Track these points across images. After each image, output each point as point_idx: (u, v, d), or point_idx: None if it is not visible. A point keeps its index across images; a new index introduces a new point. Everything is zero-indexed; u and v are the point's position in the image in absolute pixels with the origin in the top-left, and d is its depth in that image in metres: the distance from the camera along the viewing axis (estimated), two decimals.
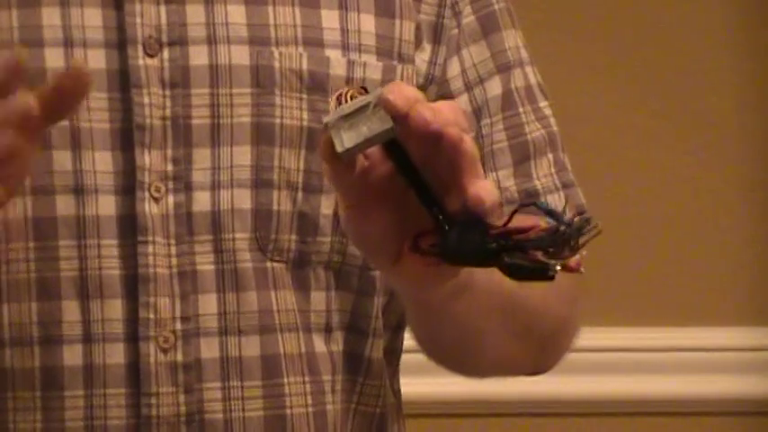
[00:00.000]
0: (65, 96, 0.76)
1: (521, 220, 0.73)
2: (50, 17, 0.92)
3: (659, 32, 2.10)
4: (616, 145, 2.05)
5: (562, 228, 0.71)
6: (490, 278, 0.77)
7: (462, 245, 0.74)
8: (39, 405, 0.92)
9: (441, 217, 0.74)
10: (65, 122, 0.90)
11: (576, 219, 0.73)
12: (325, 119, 0.75)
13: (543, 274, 0.72)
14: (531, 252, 0.72)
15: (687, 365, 1.94)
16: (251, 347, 0.95)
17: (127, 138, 0.92)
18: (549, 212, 0.72)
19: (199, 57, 0.93)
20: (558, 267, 0.71)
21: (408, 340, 1.03)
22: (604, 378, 1.89)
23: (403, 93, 0.72)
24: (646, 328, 1.94)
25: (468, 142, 0.73)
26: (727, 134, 2.09)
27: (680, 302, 1.99)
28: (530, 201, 0.87)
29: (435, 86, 1.01)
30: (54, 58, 0.91)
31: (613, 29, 2.07)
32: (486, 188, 0.72)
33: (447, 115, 0.72)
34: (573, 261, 0.72)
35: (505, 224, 0.74)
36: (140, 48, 0.91)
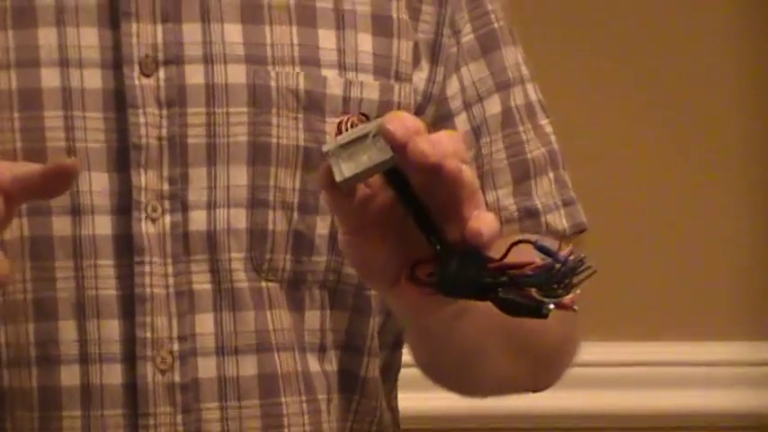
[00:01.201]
0: (50, 185, 0.78)
1: (518, 253, 0.73)
2: (46, 37, 0.92)
3: (659, 43, 2.10)
4: (618, 158, 2.06)
5: (557, 266, 0.72)
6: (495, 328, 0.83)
7: (459, 277, 0.75)
8: (36, 425, 0.92)
9: (439, 247, 0.75)
10: (61, 143, 0.93)
11: (571, 257, 0.73)
12: (325, 147, 0.75)
13: (537, 311, 0.72)
14: (527, 288, 0.73)
15: (686, 380, 1.96)
16: (248, 367, 0.95)
17: (123, 158, 0.92)
18: (545, 251, 0.73)
19: (195, 76, 0.93)
20: (552, 306, 0.72)
21: (406, 355, 1.03)
22: (604, 392, 1.90)
23: (403, 122, 0.72)
24: (645, 342, 1.95)
25: (468, 173, 0.73)
26: (729, 150, 2.10)
27: (679, 317, 2.00)
28: (527, 239, 0.85)
29: (434, 105, 1.01)
30: (50, 78, 0.92)
31: (613, 39, 2.07)
32: (485, 221, 0.73)
33: (446, 146, 0.72)
34: (567, 299, 0.72)
35: (502, 258, 0.74)
36: (136, 67, 0.91)
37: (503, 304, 0.74)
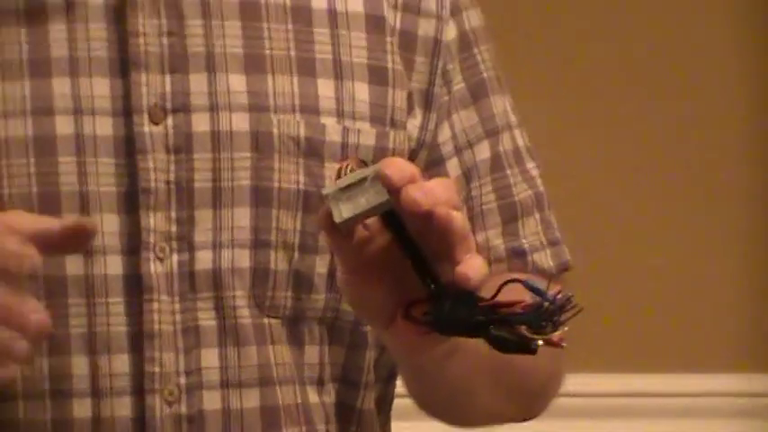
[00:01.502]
0: (61, 247, 0.82)
1: (508, 292, 0.77)
2: (61, 86, 0.95)
3: (645, 87, 2.17)
4: (606, 194, 2.10)
5: (546, 304, 0.75)
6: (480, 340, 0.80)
7: (452, 316, 0.78)
8: (45, 415, 0.95)
9: (433, 287, 0.79)
10: (74, 187, 0.96)
11: (559, 296, 0.76)
12: (324, 190, 0.79)
13: (526, 348, 0.76)
14: (517, 326, 0.76)
15: (680, 410, 2.01)
16: (251, 399, 0.97)
17: (132, 201, 0.94)
18: (535, 290, 0.76)
19: (201, 124, 0.95)
20: (541, 342, 0.76)
21: (399, 386, 1.05)
22: (598, 422, 1.94)
23: (399, 168, 0.77)
24: (638, 374, 2.00)
25: (459, 220, 0.77)
26: (721, 184, 2.15)
27: (673, 349, 2.06)
28: (517, 279, 0.88)
29: (426, 150, 1.03)
30: (64, 126, 0.95)
31: (599, 84, 2.14)
32: (473, 266, 0.77)
33: (438, 194, 0.77)
34: (555, 336, 0.76)
35: (493, 297, 0.77)
36: (146, 116, 0.94)
37: (494, 341, 0.77)
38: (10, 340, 0.81)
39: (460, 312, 0.79)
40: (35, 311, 0.81)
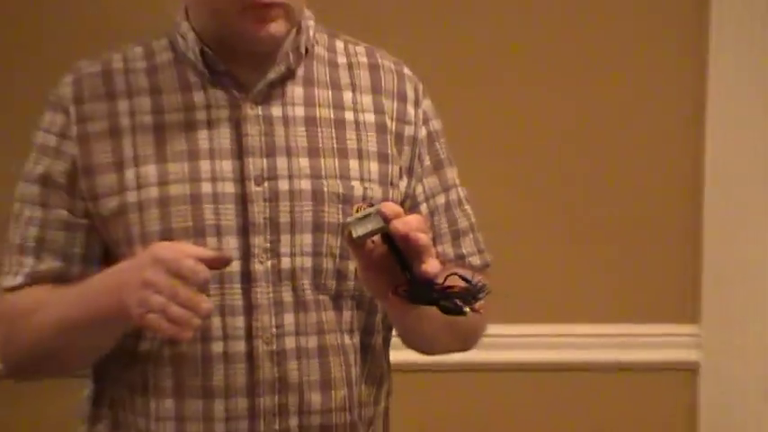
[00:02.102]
0: (213, 267, 1.21)
1: (451, 280, 1.17)
2: (205, 165, 1.35)
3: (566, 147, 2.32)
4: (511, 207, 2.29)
5: (471, 289, 1.16)
6: (440, 321, 1.23)
7: (419, 294, 1.17)
8: (200, 373, 1.33)
9: (409, 277, 1.16)
10: (213, 222, 1.33)
11: (479, 283, 1.16)
12: (348, 219, 1.17)
13: (460, 313, 1.16)
14: (455, 300, 1.16)
15: (567, 345, 2.32)
16: (311, 342, 1.36)
17: (245, 229, 1.33)
18: (465, 279, 1.16)
19: (283, 185, 1.34)
20: (468, 310, 1.16)
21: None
22: (511, 352, 2.28)
23: (391, 208, 1.15)
24: (534, 324, 2.30)
25: (424, 239, 1.15)
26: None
27: (565, 302, 2.33)
28: (456, 273, 1.18)
29: (409, 199, 1.43)
30: (206, 188, 1.33)
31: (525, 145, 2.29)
32: (432, 265, 1.16)
33: (413, 224, 1.15)
34: (477, 306, 1.17)
35: (443, 283, 1.16)
36: (252, 182, 1.33)
37: (442, 309, 1.17)
38: (191, 318, 1.18)
39: (424, 292, 1.18)
40: (205, 302, 1.19)
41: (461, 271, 1.27)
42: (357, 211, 1.22)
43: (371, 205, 1.22)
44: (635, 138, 2.36)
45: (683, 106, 2.37)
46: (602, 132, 2.36)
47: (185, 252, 1.22)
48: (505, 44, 2.31)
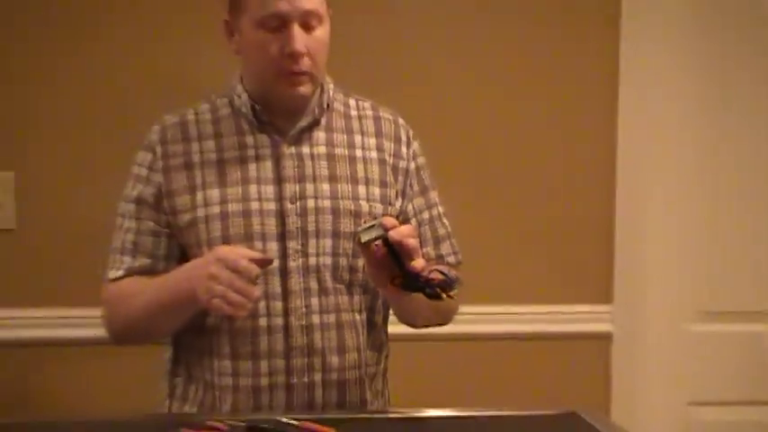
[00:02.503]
0: (260, 265, 1.43)
1: (434, 274, 1.41)
2: (254, 189, 1.58)
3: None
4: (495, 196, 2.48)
5: (448, 281, 1.40)
6: (424, 302, 1.44)
7: (409, 284, 1.39)
8: (250, 341, 1.57)
9: (402, 272, 1.38)
10: (259, 230, 1.56)
11: (454, 276, 1.40)
12: (358, 229, 1.43)
13: (439, 298, 1.40)
14: (436, 289, 1.39)
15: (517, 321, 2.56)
16: (331, 318, 1.60)
17: (283, 236, 1.57)
18: (444, 274, 1.42)
19: (311, 204, 1.58)
20: (445, 296, 1.39)
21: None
22: (477, 325, 2.46)
23: (390, 221, 1.39)
24: (484, 304, 2.47)
25: (413, 243, 1.37)
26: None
27: (510, 287, 2.53)
28: (437, 268, 1.43)
29: (402, 214, 1.66)
30: (254, 205, 1.56)
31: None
32: (419, 263, 1.38)
33: (405, 232, 1.38)
34: (452, 294, 1.39)
35: (427, 276, 1.38)
36: (288, 201, 1.58)
37: (426, 295, 1.40)
38: (245, 302, 1.40)
39: (413, 283, 1.38)
40: (255, 290, 1.41)
41: (442, 267, 1.53)
42: (365, 223, 1.45)
43: (375, 218, 1.46)
44: (559, 152, 2.52)
45: (597, 125, 2.51)
46: (533, 149, 2.52)
47: (241, 254, 1.45)
48: (464, 94, 2.47)
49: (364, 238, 1.40)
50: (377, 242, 1.39)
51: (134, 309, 1.59)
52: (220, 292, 1.40)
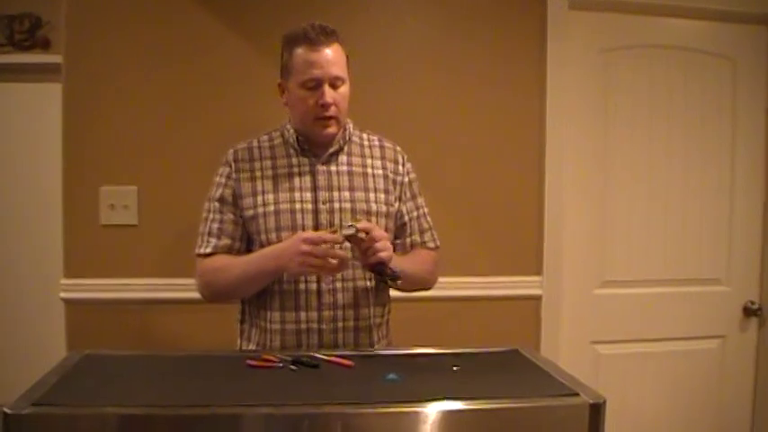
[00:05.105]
0: (332, 243, 1.99)
1: (390, 267, 2.02)
2: (297, 194, 2.11)
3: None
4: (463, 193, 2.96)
5: (393, 274, 2.04)
6: (412, 273, 2.14)
7: (374, 271, 2.05)
8: (293, 297, 2.11)
9: (363, 261, 2.01)
10: (300, 223, 2.11)
11: (397, 271, 2.01)
12: (342, 228, 2.00)
13: (394, 286, 2.11)
14: (387, 277, 2.04)
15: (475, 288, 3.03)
16: (349, 285, 2.15)
17: (316, 227, 2.10)
18: (392, 270, 2.03)
19: (337, 205, 2.12)
20: (390, 282, 2.06)
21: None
22: (451, 291, 2.97)
23: (363, 225, 1.98)
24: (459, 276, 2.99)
25: (384, 242, 1.98)
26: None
27: (464, 263, 2.99)
28: (391, 266, 1.96)
29: (399, 213, 2.20)
30: (297, 206, 2.10)
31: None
32: (377, 258, 1.96)
33: (376, 234, 2.00)
34: (397, 282, 2.06)
35: (381, 267, 2.02)
36: (321, 202, 2.12)
37: (385, 283, 2.12)
38: (338, 265, 1.95)
39: (379, 271, 2.02)
40: (334, 261, 1.92)
41: (395, 267, 2.03)
42: (347, 225, 1.94)
43: (358, 220, 1.99)
44: (503, 163, 3.00)
45: (531, 139, 2.97)
46: (483, 163, 3.01)
47: (319, 237, 1.92)
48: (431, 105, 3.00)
49: (344, 233, 1.93)
50: (352, 236, 1.93)
51: (226, 279, 2.07)
52: (315, 263, 1.87)
